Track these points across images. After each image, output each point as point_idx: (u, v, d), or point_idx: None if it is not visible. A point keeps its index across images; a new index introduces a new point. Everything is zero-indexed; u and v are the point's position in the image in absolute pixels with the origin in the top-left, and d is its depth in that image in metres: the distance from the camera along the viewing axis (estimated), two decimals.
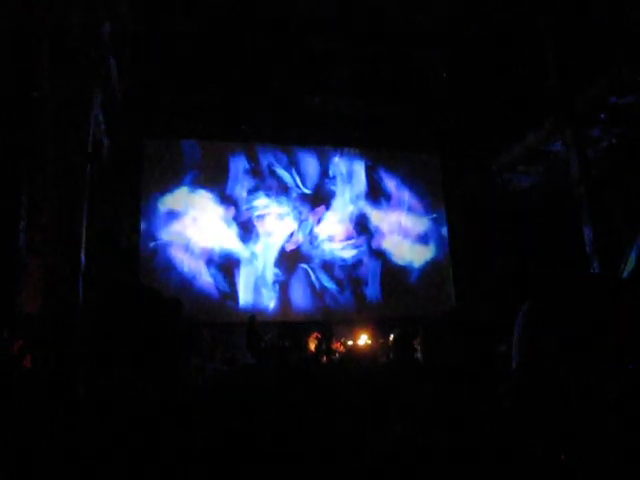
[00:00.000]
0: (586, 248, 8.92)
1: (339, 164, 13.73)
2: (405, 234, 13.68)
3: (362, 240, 13.37)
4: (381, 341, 9.93)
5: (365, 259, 13.28)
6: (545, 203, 11.45)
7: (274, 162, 13.28)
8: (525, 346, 0.75)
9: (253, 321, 10.79)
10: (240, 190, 12.88)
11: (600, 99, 9.22)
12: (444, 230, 13.94)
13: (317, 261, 12.92)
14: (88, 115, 7.57)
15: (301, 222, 13.07)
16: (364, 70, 12.33)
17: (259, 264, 12.54)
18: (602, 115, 9.60)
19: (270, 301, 12.42)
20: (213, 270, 12.18)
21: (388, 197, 13.86)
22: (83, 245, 7.13)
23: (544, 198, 11.61)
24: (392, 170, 13.99)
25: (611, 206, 10.45)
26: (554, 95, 9.62)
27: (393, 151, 13.98)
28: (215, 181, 12.75)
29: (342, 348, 10.16)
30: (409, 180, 13.99)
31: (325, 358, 9.67)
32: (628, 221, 10.17)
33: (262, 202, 12.94)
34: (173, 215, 12.18)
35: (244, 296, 12.27)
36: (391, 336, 10.50)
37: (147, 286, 1.29)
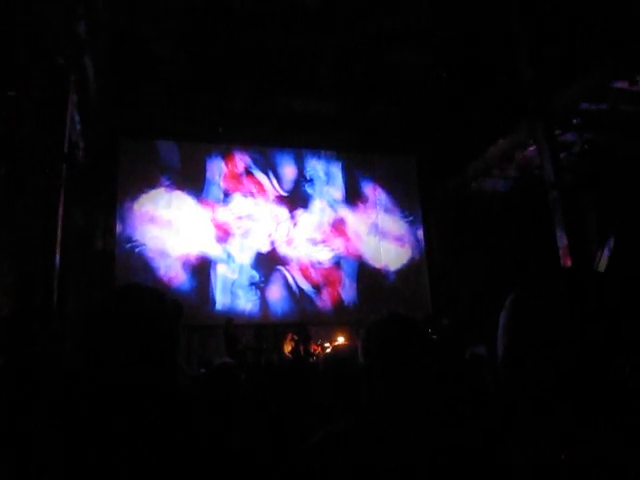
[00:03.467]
0: (559, 251, 9.06)
1: (316, 166, 13.76)
2: (382, 236, 13.74)
3: (339, 242, 13.40)
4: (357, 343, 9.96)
5: (342, 261, 13.31)
6: (519, 207, 11.61)
7: (251, 164, 13.25)
8: (508, 339, 0.74)
9: (230, 324, 10.74)
10: (217, 192, 12.82)
11: (573, 105, 9.38)
12: (420, 232, 14.04)
13: (294, 263, 12.91)
14: (64, 115, 7.48)
15: (278, 224, 13.05)
16: (342, 73, 12.36)
17: (236, 266, 12.49)
18: (575, 120, 9.77)
19: (247, 304, 12.37)
20: (190, 272, 12.10)
21: (365, 199, 13.91)
22: (58, 247, 7.04)
23: (519, 202, 11.77)
24: (369, 173, 14.06)
25: (583, 209, 10.65)
26: (528, 100, 9.76)
27: (370, 154, 14.05)
28: (192, 183, 12.66)
29: (319, 350, 10.17)
30: (386, 183, 14.07)
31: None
32: (599, 224, 10.37)
33: (239, 204, 12.89)
34: (149, 217, 12.07)
35: (221, 298, 12.21)
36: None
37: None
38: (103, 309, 1.21)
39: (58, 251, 6.99)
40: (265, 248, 12.82)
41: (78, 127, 9.22)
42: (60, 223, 7.12)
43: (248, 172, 13.21)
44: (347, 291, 13.15)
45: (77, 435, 1.06)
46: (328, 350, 9.50)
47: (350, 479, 1.26)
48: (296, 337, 10.71)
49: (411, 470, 1.21)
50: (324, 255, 13.22)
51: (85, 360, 1.16)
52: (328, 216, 13.51)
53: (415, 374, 1.32)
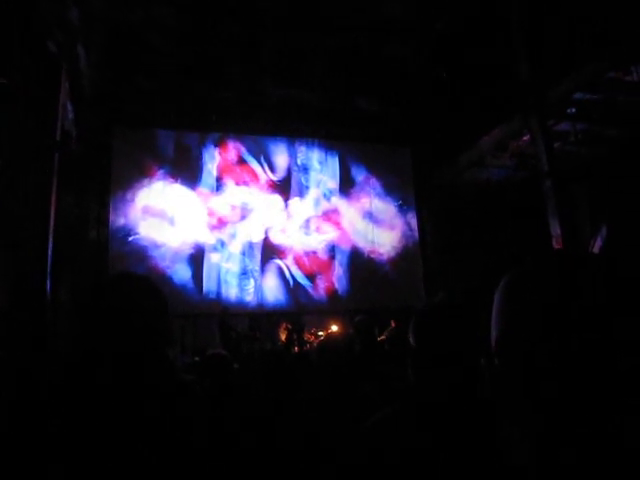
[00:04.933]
0: (552, 240, 9.09)
1: (310, 155, 13.73)
2: (375, 225, 13.76)
3: (332, 231, 13.40)
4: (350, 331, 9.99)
5: (335, 250, 13.32)
6: (514, 196, 11.63)
7: (245, 153, 13.21)
8: (503, 321, 0.72)
9: (226, 313, 10.77)
10: (211, 181, 12.78)
11: (568, 96, 9.38)
12: (414, 222, 14.06)
13: (288, 252, 12.92)
14: (56, 104, 7.42)
15: (272, 213, 13.03)
16: (336, 64, 12.30)
17: (230, 255, 12.48)
18: (569, 110, 9.77)
19: (241, 292, 12.38)
20: (184, 262, 12.08)
21: (359, 189, 13.91)
22: (51, 237, 7.00)
23: (513, 191, 11.79)
24: (363, 161, 14.04)
25: (577, 199, 10.68)
26: (523, 93, 9.75)
27: (364, 144, 14.02)
28: (185, 172, 12.61)
29: (313, 339, 10.20)
30: (380, 172, 14.06)
31: (297, 349, 9.71)
32: (592, 214, 10.41)
33: (233, 193, 12.86)
34: (143, 206, 12.02)
35: (215, 287, 12.21)
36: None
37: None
38: (95, 303, 1.19)
39: (51, 241, 6.96)
40: (259, 237, 12.81)
41: (70, 116, 9.15)
42: (53, 213, 7.08)
43: (242, 161, 13.17)
44: (341, 280, 13.18)
45: (75, 435, 1.06)
46: (321, 337, 9.51)
47: (398, 466, 1.27)
48: (290, 326, 10.74)
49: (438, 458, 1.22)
50: (318, 244, 13.22)
51: (81, 359, 1.14)
52: (322, 205, 13.51)
53: (462, 361, 1.34)
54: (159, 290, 1.25)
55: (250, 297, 12.43)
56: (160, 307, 1.22)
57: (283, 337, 10.62)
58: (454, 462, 1.21)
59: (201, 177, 12.73)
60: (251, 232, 12.76)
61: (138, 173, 12.14)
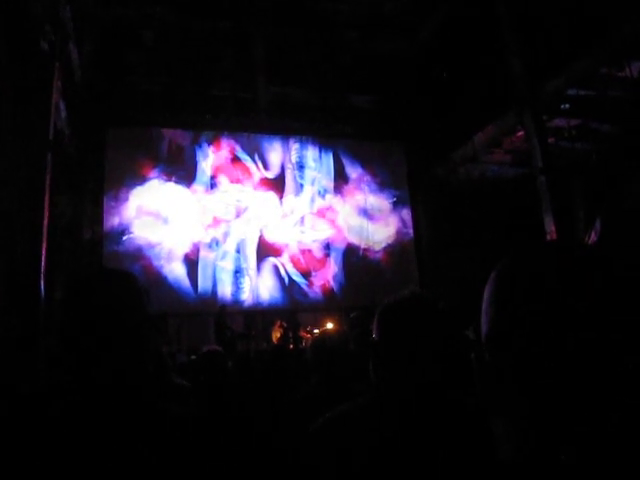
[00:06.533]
0: (546, 237, 9.11)
1: (304, 152, 13.71)
2: (370, 222, 13.75)
3: (327, 228, 13.39)
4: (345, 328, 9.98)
5: (330, 247, 13.31)
6: (508, 192, 11.64)
7: (239, 150, 13.17)
8: (494, 315, 0.69)
9: (223, 311, 10.76)
10: (205, 179, 12.75)
11: (561, 91, 9.39)
12: (409, 219, 14.06)
13: (283, 250, 12.90)
14: (48, 103, 7.37)
15: (266, 211, 13.01)
16: (330, 61, 12.30)
17: (225, 253, 12.45)
18: (563, 106, 9.79)
19: (236, 291, 12.35)
20: (178, 260, 12.05)
21: (353, 185, 13.90)
22: (44, 237, 6.96)
23: (508, 187, 11.80)
24: (357, 158, 14.03)
25: (572, 195, 10.70)
26: (516, 88, 9.76)
27: (358, 141, 14.01)
28: (179, 170, 12.57)
29: (308, 336, 10.20)
30: (374, 169, 14.05)
31: (292, 346, 9.71)
32: (587, 209, 10.43)
33: (227, 191, 12.82)
34: (137, 205, 11.98)
35: (209, 286, 12.18)
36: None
37: (119, 271, 1.26)
38: (73, 300, 1.16)
39: (44, 241, 6.92)
40: (254, 235, 12.79)
41: (63, 115, 9.10)
42: (46, 213, 7.04)
43: (236, 159, 13.14)
44: (336, 277, 13.17)
45: (72, 436, 1.04)
46: (316, 333, 9.50)
47: (352, 462, 1.24)
48: (285, 324, 10.73)
49: (410, 458, 1.19)
50: (313, 242, 13.21)
51: (74, 358, 1.13)
52: (317, 202, 13.50)
53: (429, 357, 1.28)
54: (139, 286, 1.21)
55: (245, 295, 12.41)
56: (138, 304, 1.18)
57: (277, 335, 10.60)
58: (420, 462, 1.18)
59: (195, 175, 12.70)
60: (246, 230, 12.73)
61: (132, 172, 12.09)
